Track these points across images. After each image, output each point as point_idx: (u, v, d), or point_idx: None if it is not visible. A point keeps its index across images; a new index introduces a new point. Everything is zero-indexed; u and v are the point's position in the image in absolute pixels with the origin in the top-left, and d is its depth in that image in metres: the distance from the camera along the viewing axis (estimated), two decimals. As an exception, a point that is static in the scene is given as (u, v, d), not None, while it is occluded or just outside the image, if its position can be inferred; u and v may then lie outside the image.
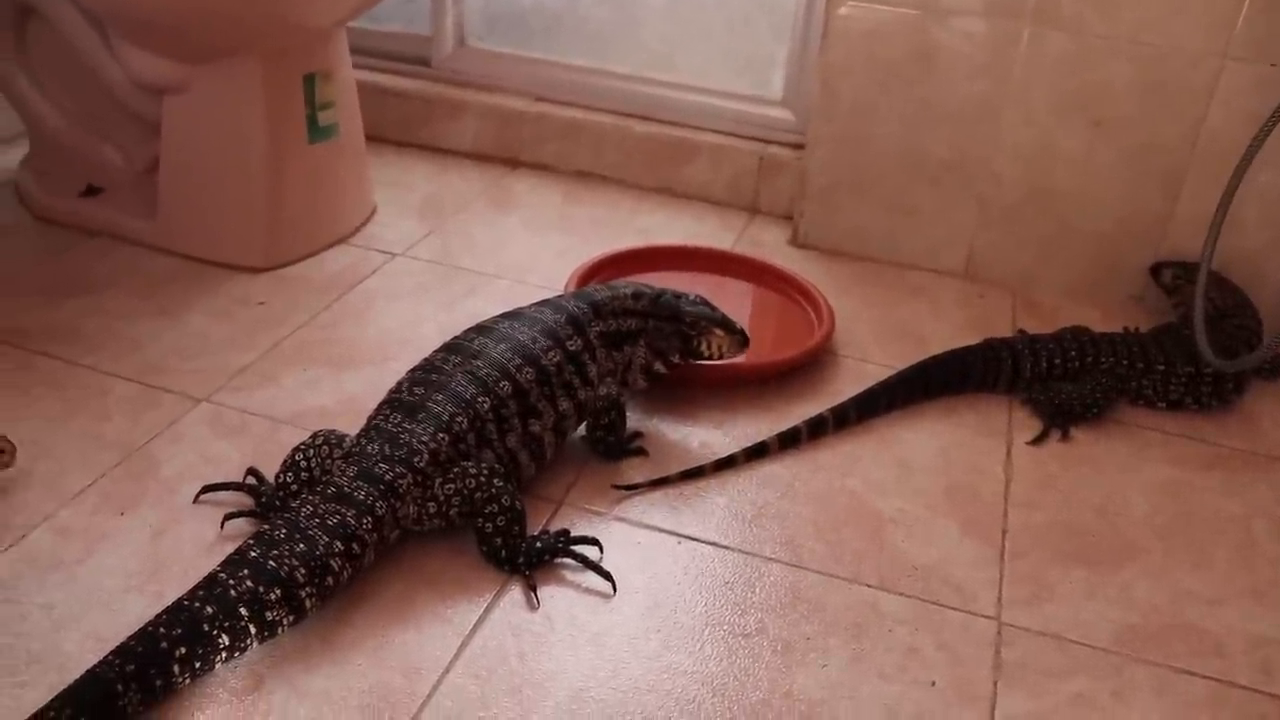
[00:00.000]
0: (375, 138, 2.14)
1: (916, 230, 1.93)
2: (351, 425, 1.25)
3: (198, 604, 1.00)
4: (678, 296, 1.45)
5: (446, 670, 1.07)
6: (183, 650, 0.97)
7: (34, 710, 0.92)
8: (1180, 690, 1.13)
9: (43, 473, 1.27)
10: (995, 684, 1.11)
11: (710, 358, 1.44)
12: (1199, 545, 1.34)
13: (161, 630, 0.97)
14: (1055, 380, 1.58)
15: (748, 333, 1.44)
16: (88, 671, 0.95)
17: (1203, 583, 1.28)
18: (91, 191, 1.86)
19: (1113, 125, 1.78)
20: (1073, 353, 1.59)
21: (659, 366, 1.44)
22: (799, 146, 2.05)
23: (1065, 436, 1.52)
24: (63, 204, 1.84)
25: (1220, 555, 1.32)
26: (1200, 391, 1.59)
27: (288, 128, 1.73)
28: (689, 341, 1.43)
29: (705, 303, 1.46)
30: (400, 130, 2.26)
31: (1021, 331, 1.73)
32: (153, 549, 1.18)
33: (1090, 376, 1.58)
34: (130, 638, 0.97)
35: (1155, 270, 1.82)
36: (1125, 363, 1.58)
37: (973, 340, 1.62)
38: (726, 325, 1.43)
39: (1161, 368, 1.58)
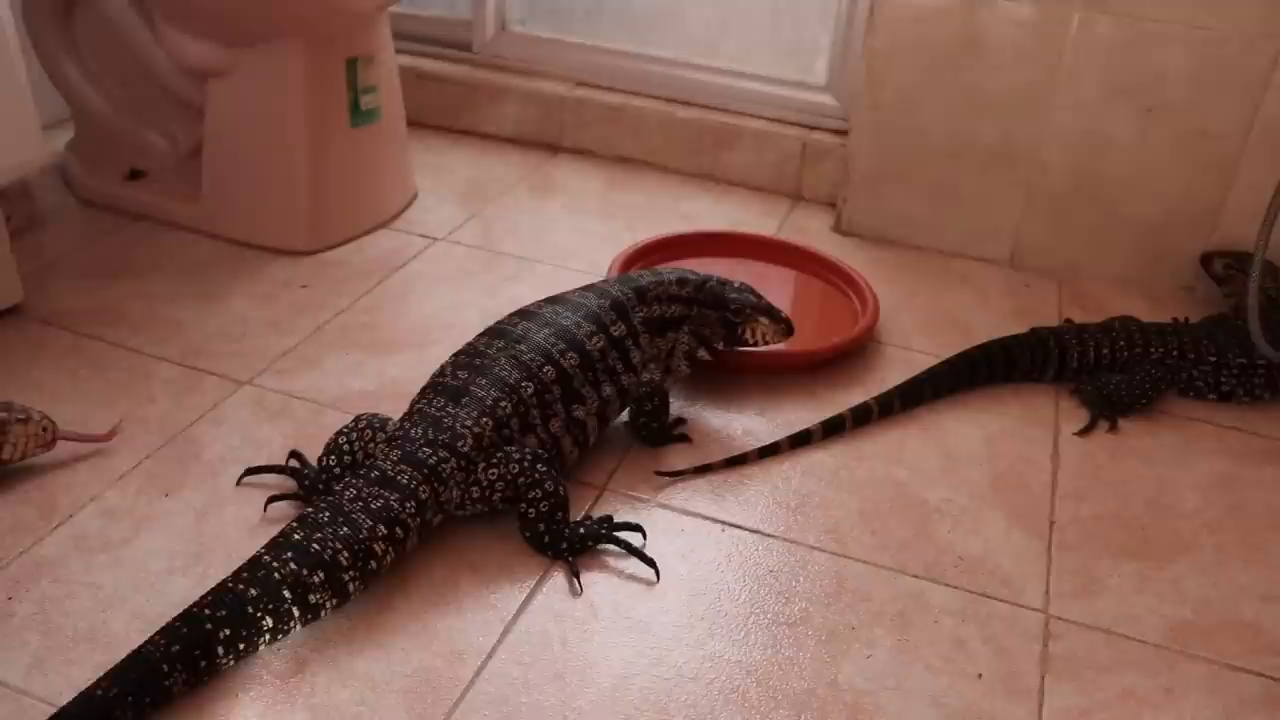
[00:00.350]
0: (417, 123, 2.14)
1: (962, 218, 1.91)
2: (394, 409, 1.25)
3: (242, 585, 1.00)
4: (723, 283, 1.44)
5: (490, 655, 1.06)
6: (227, 632, 0.97)
7: (81, 688, 0.92)
8: (1234, 688, 1.11)
9: (89, 454, 1.28)
10: (1043, 678, 1.10)
11: (754, 345, 1.43)
12: (1252, 540, 1.31)
13: (206, 611, 0.97)
14: (1103, 370, 1.56)
15: (792, 322, 1.42)
16: (134, 651, 0.95)
17: (1257, 578, 1.25)
18: (136, 175, 1.87)
19: (1165, 112, 1.74)
20: (1121, 343, 1.56)
21: (703, 353, 1.43)
22: (843, 133, 2.03)
23: (1113, 428, 1.49)
24: (107, 188, 1.85)
25: (1275, 550, 1.30)
26: (1253, 383, 1.56)
27: (330, 112, 1.73)
28: (734, 329, 1.42)
29: (750, 290, 1.45)
30: (442, 115, 2.25)
31: (1068, 321, 1.70)
32: (197, 531, 1.18)
33: (1139, 367, 1.55)
34: (175, 619, 0.97)
35: (1206, 260, 1.79)
36: (1175, 353, 1.56)
37: (1018, 329, 1.60)
38: (771, 313, 1.42)
39: (1213, 359, 1.55)
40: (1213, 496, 1.38)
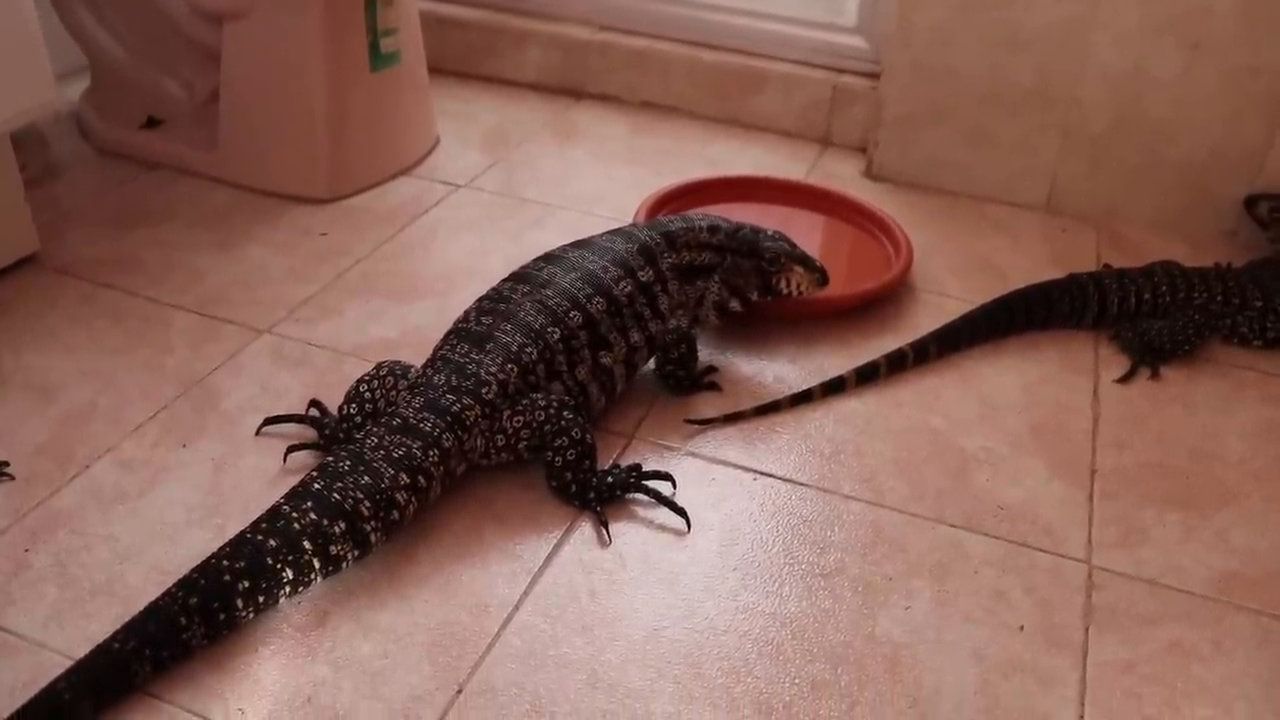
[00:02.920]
0: (437, 69, 2.10)
1: (996, 161, 1.85)
2: (416, 357, 1.22)
3: (261, 536, 0.97)
4: (756, 231, 1.40)
5: (516, 608, 1.04)
6: (246, 584, 0.95)
7: (99, 641, 0.90)
8: (1285, 640, 1.07)
9: (105, 405, 1.26)
10: (1087, 630, 1.06)
11: (788, 295, 1.39)
12: (1301, 489, 1.27)
13: (225, 563, 0.95)
14: (1144, 316, 1.51)
15: (828, 270, 1.38)
16: (151, 604, 0.93)
17: (1306, 528, 1.21)
18: (152, 123, 1.84)
19: (1211, 48, 1.68)
20: (1163, 288, 1.51)
21: (735, 304, 1.39)
22: (874, 75, 1.98)
23: (1155, 375, 1.45)
24: (124, 136, 1.82)
25: (1325, 499, 1.26)
26: (1301, 329, 1.51)
27: (349, 55, 1.69)
28: (767, 278, 1.38)
29: (784, 238, 1.40)
30: (463, 61, 2.21)
31: (1107, 266, 1.65)
32: (215, 482, 1.16)
33: (1181, 313, 1.50)
34: (193, 570, 0.95)
35: (1251, 202, 1.73)
36: (1219, 299, 1.51)
37: (1055, 275, 1.55)
38: (806, 262, 1.38)
39: (1259, 304, 1.50)
40: (1259, 445, 1.34)
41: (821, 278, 1.38)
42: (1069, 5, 1.71)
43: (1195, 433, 1.35)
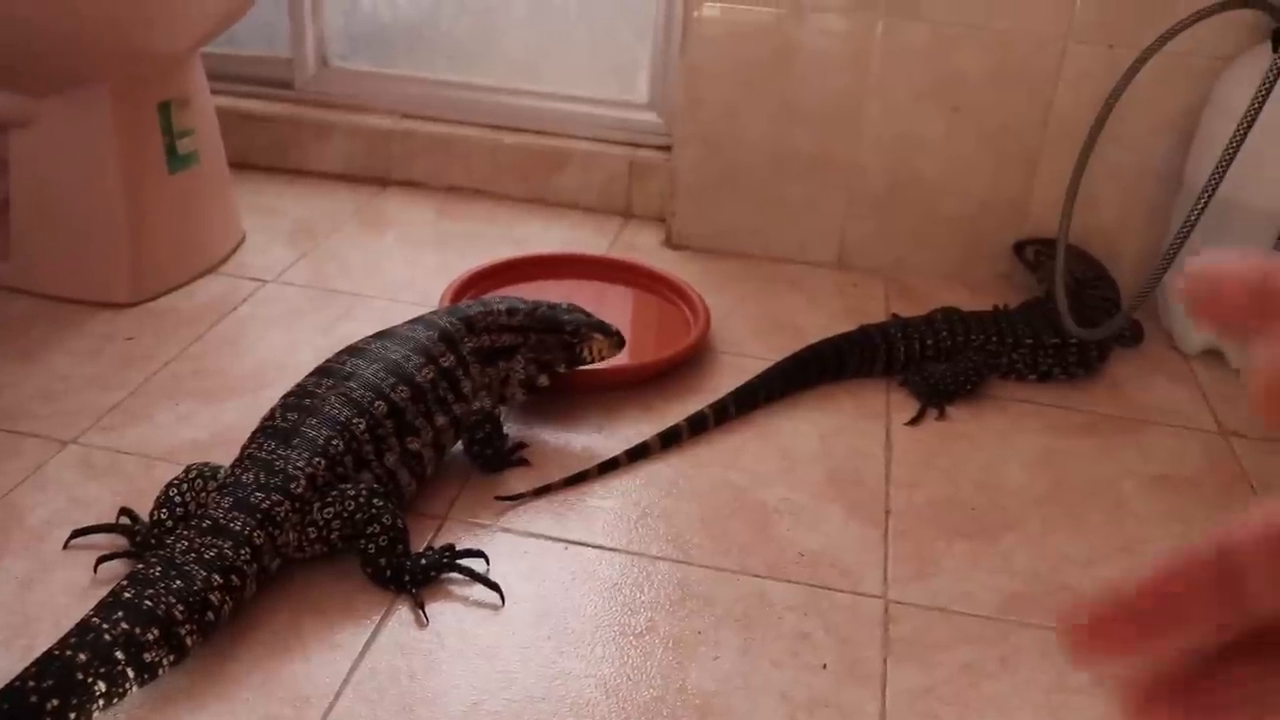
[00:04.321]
0: (242, 164, 2.10)
1: (788, 224, 1.96)
2: (228, 457, 1.23)
3: (69, 652, 0.96)
4: (553, 306, 1.45)
5: (337, 696, 1.05)
6: (55, 702, 0.94)
7: (-102, 776, 0.88)
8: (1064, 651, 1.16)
9: (-100, 531, 1.22)
10: (885, 661, 1.13)
11: (592, 362, 1.45)
12: (1074, 510, 1.38)
13: (30, 684, 0.94)
14: (929, 361, 1.62)
15: (622, 334, 1.44)
16: (-47, 733, 0.91)
17: (1079, 546, 1.32)
18: (-59, 237, 1.79)
19: (970, 111, 1.83)
20: (944, 333, 1.63)
21: (543, 380, 1.43)
22: (668, 149, 2.07)
23: (942, 415, 1.55)
24: (-89, 251, 1.77)
25: (1094, 517, 1.37)
26: (1067, 361, 1.64)
27: (145, 158, 1.69)
28: (572, 350, 1.43)
29: (578, 309, 1.47)
30: (267, 155, 2.22)
31: (895, 316, 1.76)
32: (20, 601, 1.14)
33: (963, 355, 1.61)
34: (-4, 693, 0.93)
35: (1018, 248, 1.88)
36: (995, 339, 1.63)
37: (849, 328, 1.65)
38: (604, 329, 1.44)
39: (1030, 341, 1.63)
40: (1037, 472, 1.45)
41: (619, 340, 1.44)
42: (841, 78, 1.83)
43: (980, 466, 1.45)
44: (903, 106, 1.84)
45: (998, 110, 1.82)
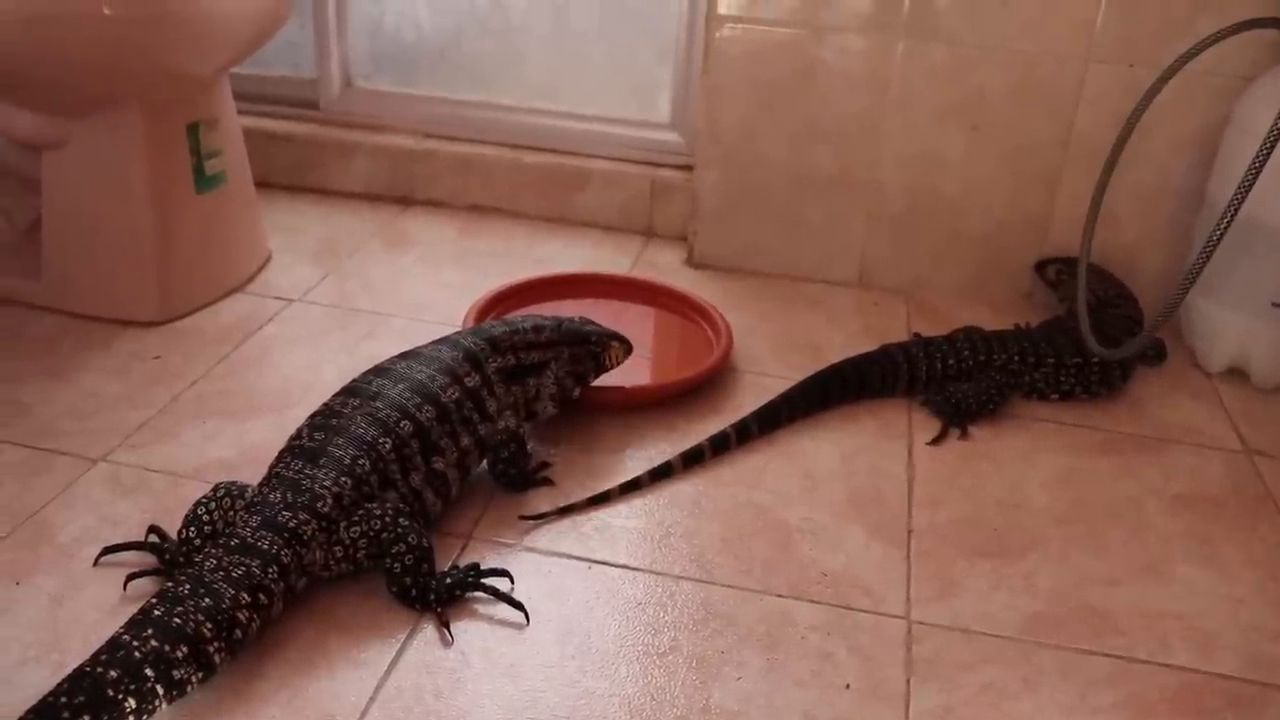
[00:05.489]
0: (266, 184, 2.13)
1: (809, 243, 1.97)
2: (254, 475, 1.24)
3: (100, 669, 0.98)
4: (571, 320, 1.50)
5: (363, 715, 1.06)
6: (86, 718, 0.95)
7: (-67, 792, 0.90)
8: (1085, 670, 1.16)
9: (-68, 548, 1.24)
10: (908, 681, 1.14)
11: (610, 369, 1.51)
12: (1096, 529, 1.38)
13: (62, 700, 0.95)
14: (951, 380, 1.62)
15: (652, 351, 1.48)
16: (-12, 748, 0.92)
17: (1101, 565, 1.32)
18: (-28, 255, 1.82)
19: (990, 130, 1.83)
20: (966, 352, 1.63)
21: (576, 391, 1.48)
22: (689, 168, 2.08)
23: (964, 434, 1.56)
24: (-58, 270, 1.79)
25: (1116, 537, 1.37)
26: (1089, 380, 1.64)
27: (174, 178, 1.71)
28: (598, 359, 1.49)
29: (589, 320, 1.53)
30: (291, 175, 2.24)
31: (916, 335, 1.77)
32: (52, 617, 1.15)
33: (984, 374, 1.62)
34: (28, 711, 0.94)
35: (1039, 267, 1.88)
36: (1017, 358, 1.63)
37: (869, 347, 1.66)
38: (617, 336, 1.51)
39: (1051, 360, 1.63)
40: (1058, 491, 1.45)
41: (629, 347, 1.53)
42: (862, 98, 1.84)
43: (1002, 486, 1.46)
44: (922, 126, 1.85)
45: (1018, 129, 1.82)
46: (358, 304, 1.83)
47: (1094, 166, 1.74)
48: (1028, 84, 1.79)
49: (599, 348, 1.48)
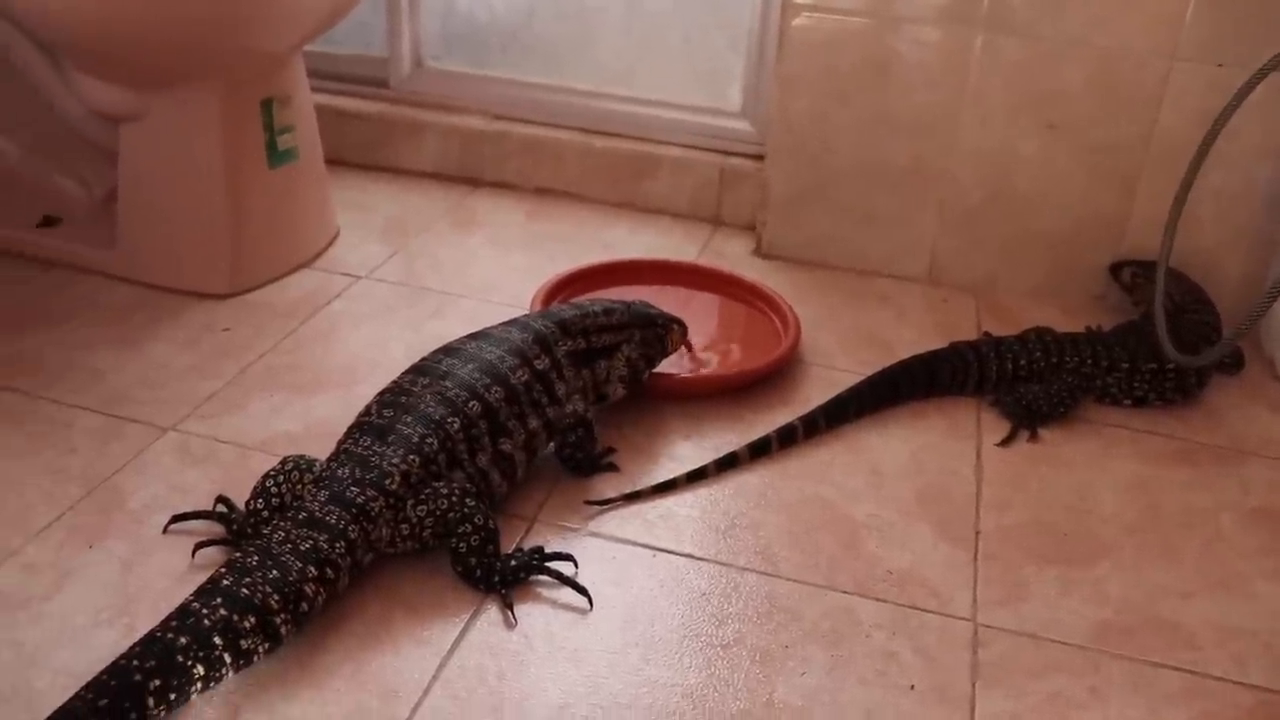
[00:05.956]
0: (336, 161, 2.13)
1: (879, 237, 1.94)
2: (320, 450, 1.25)
3: (170, 634, 0.99)
4: (635, 303, 1.51)
5: (425, 692, 1.06)
6: (157, 682, 0.96)
7: (6, 750, 0.91)
8: (1156, 684, 1.14)
9: (7, 508, 1.26)
10: (974, 685, 1.12)
11: (670, 354, 1.52)
12: (1169, 539, 1.35)
13: (134, 663, 0.96)
14: (1022, 381, 1.59)
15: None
16: (60, 708, 0.93)
17: (1173, 576, 1.29)
18: (49, 222, 1.84)
19: (1068, 128, 1.80)
20: (1038, 353, 1.60)
21: (646, 374, 1.49)
22: (759, 157, 2.06)
23: (1034, 437, 1.53)
24: (20, 236, 1.82)
25: (1189, 549, 1.34)
26: (1164, 387, 1.61)
27: (247, 153, 1.72)
28: (663, 341, 1.50)
29: (647, 303, 1.54)
30: (361, 153, 2.25)
31: (986, 334, 1.74)
32: (122, 582, 1.17)
33: (1056, 376, 1.59)
34: (102, 672, 0.95)
35: (1115, 269, 1.85)
36: (1090, 361, 1.60)
37: (938, 344, 1.63)
38: (676, 320, 1.53)
39: (1126, 365, 1.60)
40: (1130, 499, 1.42)
41: (685, 329, 1.54)
42: (937, 91, 1.82)
43: (1072, 490, 1.43)
44: (998, 121, 1.82)
45: (1097, 128, 1.78)
46: (425, 283, 1.83)
47: (1175, 167, 1.69)
48: (1109, 81, 1.75)
49: (664, 330, 1.49)
